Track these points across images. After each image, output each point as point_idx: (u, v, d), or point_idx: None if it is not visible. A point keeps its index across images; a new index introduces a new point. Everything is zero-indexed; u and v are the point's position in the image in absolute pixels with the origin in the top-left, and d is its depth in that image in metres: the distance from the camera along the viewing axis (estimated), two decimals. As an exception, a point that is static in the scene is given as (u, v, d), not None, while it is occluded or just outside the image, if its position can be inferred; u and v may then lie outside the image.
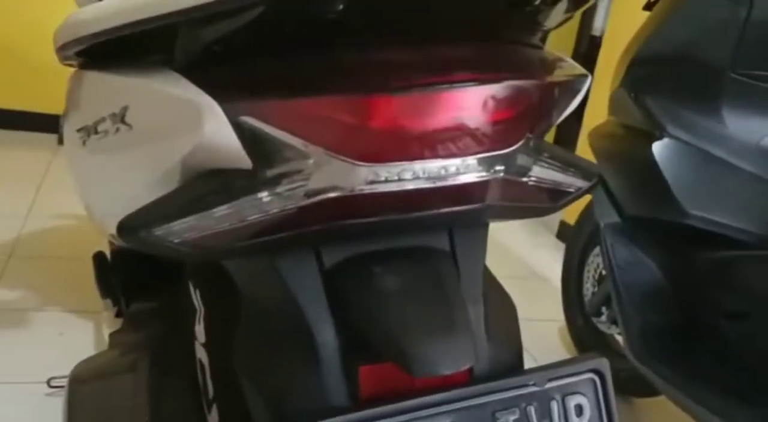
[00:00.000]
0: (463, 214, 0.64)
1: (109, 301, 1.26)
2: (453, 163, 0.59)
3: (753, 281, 1.37)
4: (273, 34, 0.57)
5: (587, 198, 1.65)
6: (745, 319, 1.36)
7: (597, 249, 1.78)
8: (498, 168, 0.62)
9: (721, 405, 1.27)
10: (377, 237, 0.66)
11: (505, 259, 2.67)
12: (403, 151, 0.58)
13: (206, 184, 0.58)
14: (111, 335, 1.13)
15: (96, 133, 0.68)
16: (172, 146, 0.58)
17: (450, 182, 0.60)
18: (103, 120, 0.66)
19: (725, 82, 1.39)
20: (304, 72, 0.57)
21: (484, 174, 0.61)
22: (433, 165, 0.59)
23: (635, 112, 1.48)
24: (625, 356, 1.46)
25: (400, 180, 0.58)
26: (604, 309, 1.70)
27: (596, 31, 3.96)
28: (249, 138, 0.55)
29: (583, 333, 1.89)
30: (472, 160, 0.60)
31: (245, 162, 0.56)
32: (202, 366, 0.77)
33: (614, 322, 1.63)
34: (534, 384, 0.64)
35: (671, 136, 1.41)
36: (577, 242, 1.92)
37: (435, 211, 0.62)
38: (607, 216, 1.56)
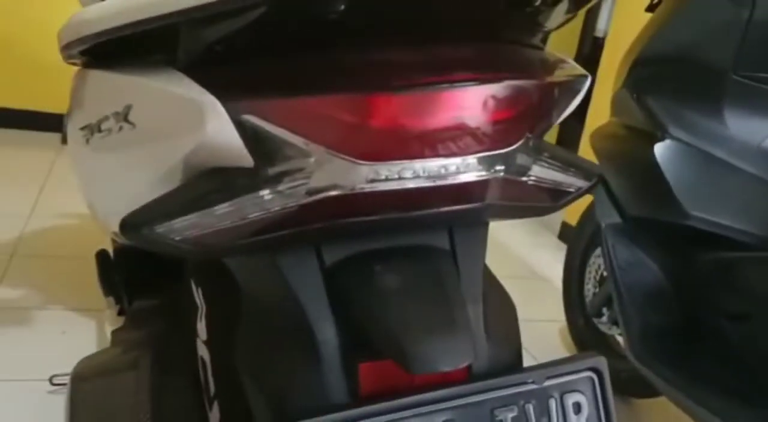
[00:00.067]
0: (463, 213, 0.64)
1: (111, 299, 1.27)
2: (453, 162, 0.60)
3: (754, 282, 1.37)
4: (275, 33, 0.58)
5: (589, 198, 1.65)
6: (747, 320, 1.36)
7: (598, 250, 1.78)
8: (498, 167, 0.62)
9: (722, 407, 1.27)
10: (378, 235, 0.66)
11: (506, 259, 2.67)
12: (404, 150, 0.58)
13: (208, 182, 0.59)
14: (113, 332, 1.14)
15: (99, 131, 0.69)
16: (174, 144, 0.59)
17: (450, 181, 0.60)
18: (106, 118, 0.67)
19: (727, 83, 1.40)
20: (305, 71, 0.58)
21: (484, 173, 0.62)
22: (434, 164, 0.59)
23: (637, 113, 1.48)
24: (625, 357, 1.46)
25: (400, 178, 0.59)
26: (605, 309, 1.71)
27: (599, 32, 3.96)
28: (251, 136, 0.55)
29: (584, 334, 1.89)
30: (472, 159, 0.60)
31: (247, 160, 0.56)
32: (204, 363, 0.78)
33: (615, 323, 1.63)
34: (532, 382, 0.64)
35: (673, 137, 1.41)
36: (579, 243, 1.93)
37: (435, 210, 0.62)
38: (609, 217, 1.56)
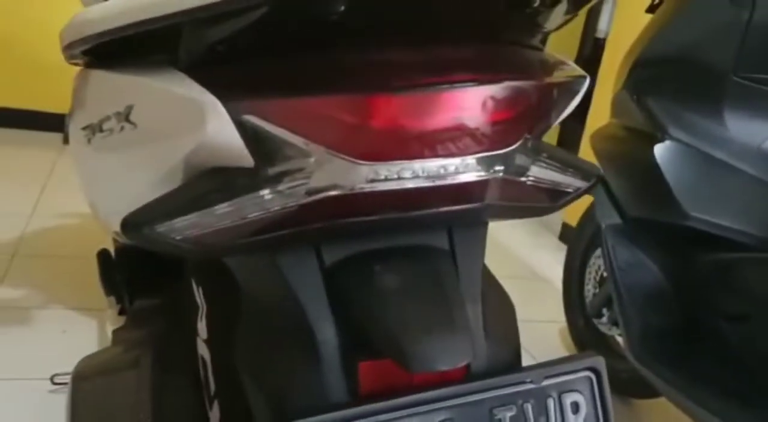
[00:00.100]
0: (462, 213, 0.65)
1: (112, 298, 1.27)
2: (452, 163, 0.60)
3: (754, 283, 1.37)
4: (276, 34, 0.58)
5: (589, 199, 1.65)
6: (746, 321, 1.37)
7: (598, 251, 1.78)
8: (497, 168, 0.63)
9: (721, 407, 1.27)
10: (377, 235, 0.67)
11: (507, 260, 2.68)
12: (403, 150, 0.58)
13: (209, 182, 0.59)
14: (114, 332, 1.14)
15: (101, 131, 0.69)
16: (175, 144, 0.59)
17: (449, 181, 0.60)
18: (108, 118, 0.67)
19: (727, 84, 1.40)
20: (306, 72, 0.58)
21: (483, 173, 0.62)
22: (433, 164, 0.59)
23: (637, 114, 1.49)
24: (625, 357, 1.46)
25: (399, 179, 0.59)
26: (605, 310, 1.71)
27: (600, 33, 3.97)
28: (251, 136, 0.56)
29: (584, 335, 1.89)
30: (471, 160, 0.61)
31: (247, 160, 0.57)
32: (204, 362, 0.78)
33: (615, 324, 1.64)
34: (531, 382, 0.64)
35: (673, 138, 1.42)
36: (579, 244, 1.93)
37: (434, 210, 0.63)
38: (609, 218, 1.56)
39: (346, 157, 0.57)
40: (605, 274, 1.70)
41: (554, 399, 0.65)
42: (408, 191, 0.60)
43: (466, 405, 0.62)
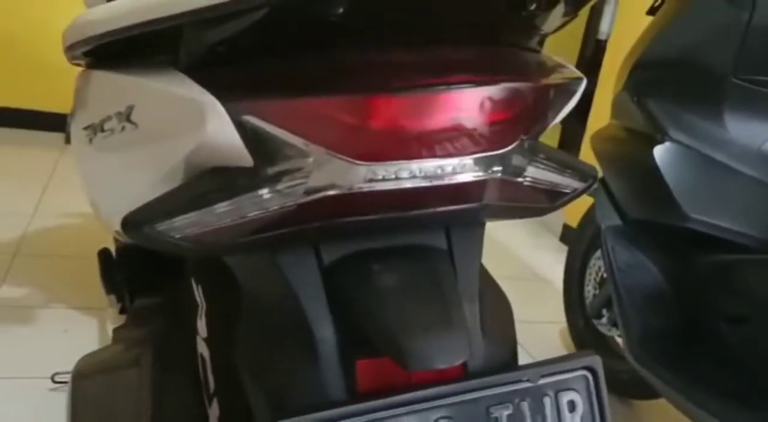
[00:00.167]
0: (459, 213, 0.65)
1: (113, 297, 1.28)
2: (449, 163, 0.60)
3: (754, 285, 1.37)
4: (276, 35, 0.59)
5: (590, 201, 1.66)
6: (746, 323, 1.37)
7: (599, 252, 1.78)
8: (494, 168, 0.63)
9: (721, 409, 1.28)
10: (376, 235, 0.67)
11: (508, 261, 2.68)
12: (401, 151, 0.59)
13: (208, 181, 0.60)
14: (115, 330, 1.15)
15: (102, 131, 0.70)
16: (176, 144, 0.60)
17: (446, 181, 0.61)
18: (109, 118, 0.68)
19: (727, 86, 1.40)
20: (305, 72, 0.59)
21: (480, 174, 0.62)
22: (430, 164, 0.60)
23: (637, 116, 1.49)
24: (625, 358, 1.46)
25: (397, 179, 0.59)
26: (604, 311, 1.71)
27: (602, 35, 3.97)
28: (251, 136, 0.56)
29: (584, 336, 1.89)
30: (468, 160, 0.61)
31: (247, 160, 0.57)
32: (204, 360, 0.79)
33: (615, 325, 1.64)
34: (527, 380, 0.65)
35: (673, 140, 1.42)
36: (579, 245, 1.93)
37: (432, 210, 0.63)
38: (609, 219, 1.57)
39: (345, 158, 0.58)
40: (605, 275, 1.70)
41: (551, 398, 0.66)
42: (406, 191, 0.60)
43: (463, 404, 0.63)
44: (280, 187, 0.58)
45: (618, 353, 1.67)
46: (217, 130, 0.56)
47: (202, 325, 0.80)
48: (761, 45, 1.37)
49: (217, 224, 0.58)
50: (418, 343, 0.58)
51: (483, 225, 0.73)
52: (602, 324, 1.72)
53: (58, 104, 2.89)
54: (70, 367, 0.96)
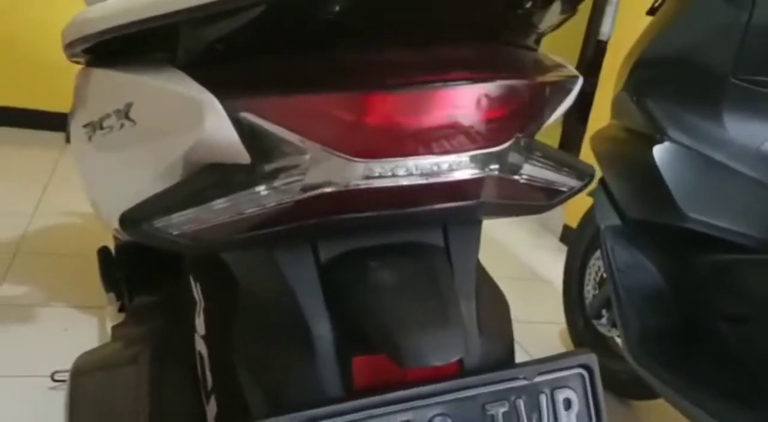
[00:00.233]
0: (456, 211, 0.65)
1: (112, 295, 1.28)
2: (445, 160, 0.61)
3: (753, 285, 1.38)
4: (273, 32, 0.59)
5: (590, 201, 1.66)
6: (745, 323, 1.37)
7: (598, 252, 1.78)
8: (489, 165, 0.63)
9: (720, 409, 1.28)
10: (373, 232, 0.67)
11: (508, 262, 2.68)
12: (398, 148, 0.59)
13: (206, 178, 0.60)
14: (114, 328, 1.15)
15: (101, 128, 0.70)
16: (174, 141, 0.60)
17: (443, 179, 0.61)
18: (108, 116, 0.68)
19: (727, 86, 1.40)
20: (302, 70, 0.59)
21: (476, 171, 0.62)
22: (426, 161, 0.60)
23: (637, 116, 1.49)
24: (624, 358, 1.46)
25: (394, 176, 0.60)
26: (604, 311, 1.71)
27: (603, 35, 3.98)
28: (248, 133, 0.56)
29: (584, 336, 1.89)
30: (464, 157, 0.61)
31: (244, 157, 0.58)
32: (202, 357, 0.79)
33: (614, 325, 1.64)
34: (524, 378, 0.65)
35: (672, 140, 1.42)
36: (579, 245, 1.93)
37: (428, 207, 0.63)
38: (608, 219, 1.57)
39: (342, 155, 0.58)
40: (605, 275, 1.70)
41: (546, 396, 0.66)
42: (402, 188, 0.60)
43: (459, 401, 0.63)
44: (277, 183, 0.58)
45: (617, 353, 1.67)
46: (215, 127, 0.56)
47: (200, 323, 0.80)
48: (760, 45, 1.37)
49: (214, 221, 0.58)
50: (414, 340, 0.59)
51: (480, 222, 0.74)
52: (602, 325, 1.72)
53: (59, 103, 2.89)
54: (70, 366, 0.97)
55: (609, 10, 3.90)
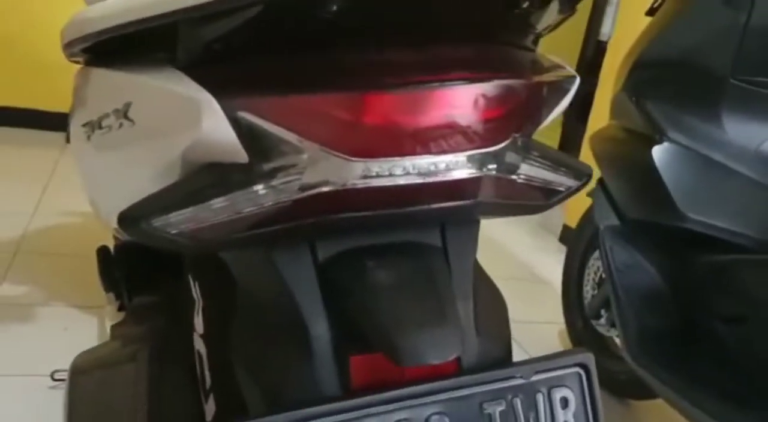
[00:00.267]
0: (453, 210, 0.65)
1: (112, 295, 1.28)
2: (443, 160, 0.61)
3: (751, 285, 1.38)
4: (271, 32, 0.59)
5: (589, 201, 1.66)
6: (743, 323, 1.37)
7: (597, 253, 1.78)
8: (487, 165, 0.64)
9: (718, 409, 1.28)
10: (371, 232, 0.67)
11: (507, 262, 2.68)
12: (395, 147, 0.59)
13: (204, 177, 0.60)
14: (113, 327, 1.15)
15: (100, 128, 0.70)
16: (172, 141, 0.60)
17: (440, 178, 0.61)
18: (107, 115, 0.68)
19: (725, 87, 1.41)
20: (300, 69, 0.59)
21: (473, 170, 0.63)
22: (423, 161, 0.60)
23: (636, 116, 1.49)
24: (623, 359, 1.46)
25: (391, 175, 0.60)
26: (603, 311, 1.71)
27: (603, 36, 3.98)
28: (246, 133, 0.57)
29: (583, 336, 1.90)
30: (461, 157, 0.61)
31: (242, 156, 0.58)
32: (200, 356, 0.79)
33: (613, 325, 1.64)
34: (521, 377, 0.65)
35: (671, 140, 1.42)
36: (578, 245, 1.94)
37: (426, 207, 0.64)
38: (607, 219, 1.57)
39: (339, 154, 0.58)
40: (604, 276, 1.70)
41: (543, 395, 0.66)
42: (400, 188, 0.61)
43: (456, 400, 0.63)
44: (274, 183, 0.58)
45: (616, 353, 1.67)
46: (213, 126, 0.56)
47: (198, 322, 0.81)
48: (759, 46, 1.37)
49: (212, 220, 0.59)
50: (411, 339, 0.59)
51: (478, 222, 0.74)
52: (600, 325, 1.72)
53: (59, 103, 2.89)
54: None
55: (609, 11, 3.90)
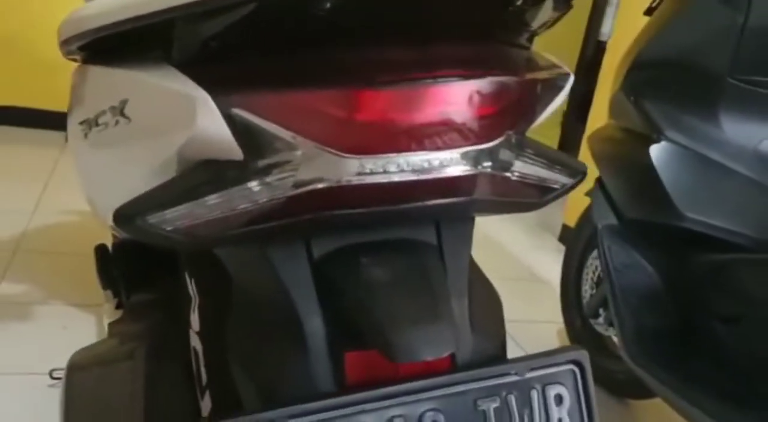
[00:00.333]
0: (447, 207, 0.66)
1: (109, 292, 1.29)
2: (436, 157, 0.61)
3: (748, 284, 1.38)
4: (266, 30, 0.59)
5: (588, 201, 1.66)
6: (741, 322, 1.37)
7: (596, 252, 1.78)
8: (480, 162, 0.64)
9: (716, 408, 1.28)
10: (366, 229, 0.68)
11: (507, 262, 2.68)
12: (389, 144, 0.59)
13: (199, 174, 0.60)
14: (110, 324, 1.16)
15: (97, 125, 0.71)
16: (167, 138, 0.60)
17: (434, 175, 0.62)
18: (103, 113, 0.69)
19: (723, 86, 1.41)
20: (295, 67, 0.59)
21: (467, 167, 0.63)
22: (417, 158, 0.60)
23: (634, 116, 1.49)
24: (621, 358, 1.47)
25: (385, 172, 0.60)
26: (601, 310, 1.71)
27: (603, 35, 3.97)
28: (240, 130, 0.57)
29: (581, 335, 1.90)
30: (454, 154, 0.62)
31: (237, 153, 0.58)
32: (196, 353, 0.79)
33: (611, 324, 1.64)
34: (515, 374, 0.65)
35: (669, 140, 1.42)
36: (577, 244, 1.94)
37: (420, 204, 0.64)
38: (605, 219, 1.57)
39: (333, 151, 0.58)
40: (602, 275, 1.70)
41: (538, 392, 0.66)
42: (394, 184, 0.61)
43: (450, 396, 0.63)
44: (269, 179, 0.58)
45: (615, 353, 1.67)
46: (208, 123, 0.56)
47: (195, 319, 0.81)
48: (757, 46, 1.37)
49: (207, 216, 0.59)
50: (406, 335, 0.59)
51: (473, 220, 0.74)
52: (599, 324, 1.72)
53: (59, 103, 2.88)
54: (67, 362, 0.97)
55: (609, 11, 3.89)
